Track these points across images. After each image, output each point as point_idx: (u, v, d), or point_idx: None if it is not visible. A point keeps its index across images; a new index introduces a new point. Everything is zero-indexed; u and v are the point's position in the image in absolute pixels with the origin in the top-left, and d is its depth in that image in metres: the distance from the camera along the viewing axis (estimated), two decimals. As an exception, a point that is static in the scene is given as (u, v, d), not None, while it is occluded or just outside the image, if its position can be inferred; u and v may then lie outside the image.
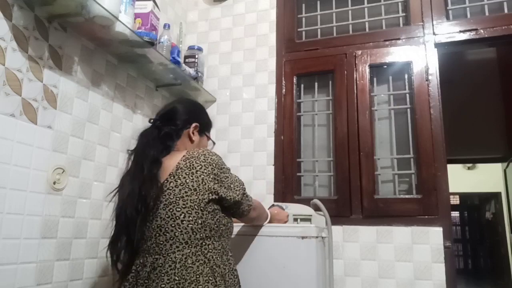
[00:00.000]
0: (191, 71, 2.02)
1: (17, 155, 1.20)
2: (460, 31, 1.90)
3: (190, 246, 1.12)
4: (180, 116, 1.34)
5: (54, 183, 1.33)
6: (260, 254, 1.49)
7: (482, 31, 1.86)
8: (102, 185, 1.58)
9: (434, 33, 1.94)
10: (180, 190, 1.14)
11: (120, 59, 1.69)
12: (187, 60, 2.10)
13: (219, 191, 1.18)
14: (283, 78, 2.14)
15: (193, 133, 1.33)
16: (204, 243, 1.14)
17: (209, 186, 1.16)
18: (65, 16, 1.35)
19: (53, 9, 1.31)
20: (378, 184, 1.91)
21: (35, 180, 1.26)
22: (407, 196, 1.85)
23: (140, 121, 1.84)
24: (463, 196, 9.50)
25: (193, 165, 1.17)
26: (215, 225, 1.18)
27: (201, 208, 1.14)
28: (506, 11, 1.88)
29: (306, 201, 1.79)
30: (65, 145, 1.39)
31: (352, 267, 1.81)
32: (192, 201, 1.13)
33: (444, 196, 1.77)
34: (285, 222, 1.65)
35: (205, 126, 1.39)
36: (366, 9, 2.13)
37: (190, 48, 2.18)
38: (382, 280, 1.75)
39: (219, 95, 2.23)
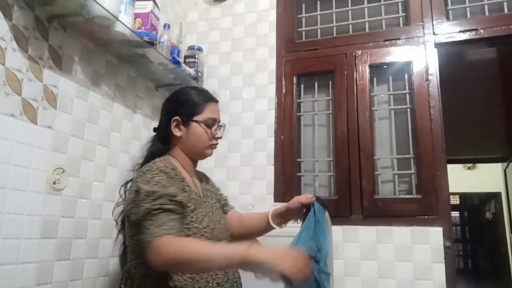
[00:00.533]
0: (191, 71, 2.02)
1: (17, 155, 1.20)
2: (460, 31, 1.90)
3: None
4: (160, 119, 1.27)
5: (54, 183, 1.33)
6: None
7: (482, 31, 1.86)
8: (102, 185, 1.58)
9: (434, 33, 1.94)
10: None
11: (120, 59, 1.69)
12: (187, 60, 2.10)
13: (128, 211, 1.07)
14: (283, 78, 2.14)
15: (175, 129, 1.20)
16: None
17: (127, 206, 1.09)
18: (65, 16, 1.35)
19: (53, 9, 1.31)
20: (378, 184, 1.91)
21: (35, 180, 1.26)
22: (407, 196, 1.85)
23: (140, 121, 1.84)
24: (463, 196, 9.50)
25: (138, 183, 1.06)
26: None
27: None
28: (506, 11, 1.88)
29: (306, 201, 1.79)
30: (65, 145, 1.39)
31: (352, 267, 1.81)
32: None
33: (444, 196, 1.77)
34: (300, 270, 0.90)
35: (188, 113, 1.21)
36: (366, 9, 2.13)
37: (190, 48, 2.18)
38: (382, 280, 1.75)
39: (219, 95, 2.22)
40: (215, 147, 1.26)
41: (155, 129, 1.29)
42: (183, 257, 0.92)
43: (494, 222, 8.42)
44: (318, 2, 2.24)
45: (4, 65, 1.17)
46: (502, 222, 7.56)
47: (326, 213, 1.43)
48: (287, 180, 2.01)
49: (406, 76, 1.99)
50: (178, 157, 1.21)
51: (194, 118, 1.21)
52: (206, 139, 1.22)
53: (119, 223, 1.25)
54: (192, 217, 1.08)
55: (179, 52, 1.92)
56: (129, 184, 1.20)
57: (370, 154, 1.90)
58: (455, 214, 10.27)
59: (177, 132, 1.20)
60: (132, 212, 1.02)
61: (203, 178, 1.34)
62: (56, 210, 1.35)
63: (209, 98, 1.27)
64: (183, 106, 1.23)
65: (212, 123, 1.23)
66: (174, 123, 1.21)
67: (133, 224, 1.03)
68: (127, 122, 1.75)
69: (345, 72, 2.03)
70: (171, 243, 0.93)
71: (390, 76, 2.03)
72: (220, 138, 1.26)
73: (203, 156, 1.25)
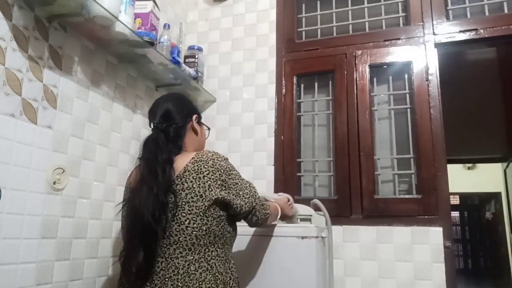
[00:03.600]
0: (191, 71, 2.02)
1: (17, 155, 1.20)
2: (460, 31, 1.90)
3: (193, 253, 1.11)
4: (179, 113, 1.30)
5: (54, 183, 1.33)
6: (260, 254, 1.49)
7: (482, 31, 1.86)
8: (102, 185, 1.58)
9: (434, 33, 1.94)
10: (186, 194, 1.12)
11: (120, 59, 1.69)
12: (187, 60, 2.10)
13: (226, 198, 1.15)
14: (283, 78, 2.14)
15: (197, 124, 1.33)
16: (207, 250, 1.13)
17: (215, 192, 1.13)
18: (65, 16, 1.35)
19: (53, 9, 1.31)
20: (378, 184, 1.91)
21: (35, 180, 1.26)
22: (407, 196, 1.85)
23: (140, 121, 1.84)
24: (463, 196, 9.49)
25: (200, 169, 1.15)
26: (220, 232, 1.16)
27: (206, 214, 1.12)
28: (506, 11, 1.88)
29: (306, 201, 1.79)
30: (65, 145, 1.39)
31: (352, 267, 1.81)
32: (197, 207, 1.11)
33: (444, 196, 1.77)
34: (292, 216, 1.57)
35: (200, 115, 1.38)
36: (366, 9, 2.13)
37: (190, 48, 2.18)
38: (382, 280, 1.75)
39: (219, 95, 2.23)
40: None
41: (161, 128, 1.23)
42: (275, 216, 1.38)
43: (494, 222, 8.42)
44: (318, 2, 2.24)
45: (4, 65, 1.17)
46: (502, 222, 7.55)
47: (326, 214, 1.44)
48: (287, 180, 2.01)
49: (406, 76, 1.99)
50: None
51: (201, 120, 1.38)
52: (205, 140, 1.44)
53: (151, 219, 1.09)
54: None
55: (179, 52, 1.92)
56: (190, 174, 1.14)
57: (370, 154, 1.90)
58: (455, 214, 10.27)
59: (197, 128, 1.33)
60: (239, 200, 1.18)
61: None
62: (56, 210, 1.35)
63: None
64: (196, 109, 1.39)
65: (208, 128, 1.44)
66: (196, 119, 1.33)
67: (238, 212, 1.18)
68: (127, 122, 1.75)
69: (345, 72, 2.03)
70: (274, 210, 1.37)
71: (390, 76, 2.03)
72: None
73: None
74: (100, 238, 1.55)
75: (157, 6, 1.73)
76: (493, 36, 1.85)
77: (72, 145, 1.43)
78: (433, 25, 1.95)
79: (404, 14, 2.07)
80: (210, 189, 1.13)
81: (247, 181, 1.24)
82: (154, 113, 1.28)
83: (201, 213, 1.11)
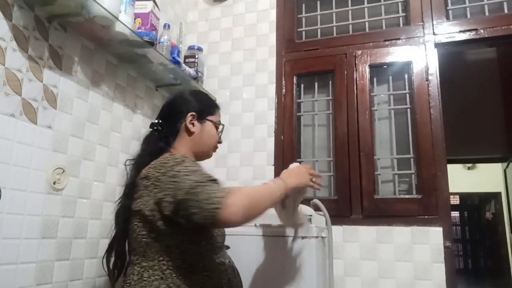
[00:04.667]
0: (191, 71, 2.02)
1: (17, 155, 1.20)
2: (460, 31, 1.90)
3: (147, 260, 1.05)
4: (172, 111, 1.24)
5: (54, 183, 1.33)
6: (260, 254, 1.49)
7: (482, 31, 1.86)
8: (102, 185, 1.58)
9: (434, 33, 1.94)
10: (137, 202, 1.07)
11: (120, 59, 1.69)
12: (187, 60, 2.10)
13: (161, 199, 1.00)
14: (283, 78, 2.14)
15: (191, 123, 1.21)
16: (161, 259, 1.04)
17: (156, 196, 1.02)
18: (65, 16, 1.35)
19: (53, 9, 1.30)
20: (378, 184, 1.91)
21: (35, 180, 1.26)
22: (407, 196, 1.85)
23: (140, 121, 1.84)
24: (463, 196, 9.49)
25: (149, 175, 1.05)
26: (174, 242, 1.05)
27: (154, 223, 1.03)
28: (506, 11, 1.88)
29: (306, 201, 1.78)
30: (65, 145, 1.39)
31: (352, 267, 1.81)
32: (144, 216, 1.05)
33: (444, 196, 1.77)
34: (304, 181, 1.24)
35: (204, 110, 1.25)
36: (366, 9, 2.13)
37: (190, 48, 2.18)
38: (382, 280, 1.75)
39: (219, 95, 2.23)
40: (216, 151, 1.32)
41: (155, 126, 1.24)
42: (256, 201, 1.01)
43: (494, 222, 8.42)
44: (318, 2, 2.24)
45: (4, 65, 1.17)
46: (502, 222, 7.56)
47: (326, 214, 1.42)
48: (287, 180, 2.00)
49: (406, 76, 1.99)
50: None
51: (209, 118, 1.25)
52: (215, 140, 1.28)
53: (119, 223, 1.16)
54: None
55: (179, 52, 1.92)
56: (142, 180, 1.08)
57: (370, 154, 1.90)
58: (455, 214, 10.28)
59: (191, 128, 1.21)
60: (177, 194, 0.97)
61: None
62: (56, 210, 1.35)
63: (218, 105, 1.34)
64: (199, 103, 1.26)
65: (220, 127, 1.30)
66: (190, 118, 1.21)
67: (174, 207, 0.98)
68: (127, 122, 1.75)
69: (345, 72, 2.03)
70: (239, 195, 0.96)
71: (390, 76, 2.03)
72: (221, 143, 1.32)
73: (207, 156, 1.30)
74: (100, 238, 1.55)
75: (157, 6, 1.73)
76: (493, 36, 1.85)
77: (72, 145, 1.43)
78: (433, 25, 1.95)
79: (404, 14, 2.07)
80: (153, 195, 1.03)
81: (187, 173, 1.00)
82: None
83: (148, 222, 1.04)
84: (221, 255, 1.17)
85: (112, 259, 1.17)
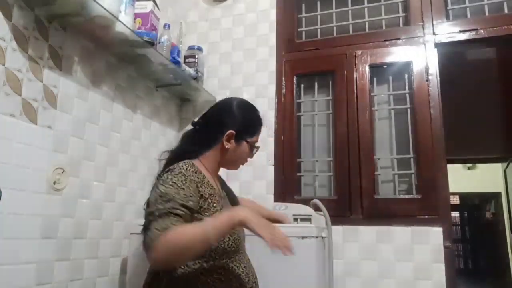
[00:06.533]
0: (191, 71, 2.02)
1: (17, 155, 1.20)
2: (460, 31, 1.90)
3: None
4: (216, 119, 1.23)
5: (54, 183, 1.33)
6: (260, 254, 1.49)
7: (482, 31, 1.86)
8: (102, 185, 1.57)
9: (434, 33, 1.94)
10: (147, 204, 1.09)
11: (120, 59, 1.69)
12: (187, 60, 2.10)
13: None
14: (283, 78, 2.13)
15: (228, 141, 1.18)
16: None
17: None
18: (65, 16, 1.35)
19: (53, 9, 1.31)
20: (378, 184, 1.91)
21: (35, 180, 1.26)
22: (407, 196, 1.85)
23: (140, 121, 1.84)
24: (463, 196, 9.48)
25: (156, 183, 1.08)
26: None
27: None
28: (506, 11, 1.88)
29: (306, 201, 1.79)
30: (65, 145, 1.39)
31: (352, 267, 1.80)
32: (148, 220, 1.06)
33: (444, 196, 1.77)
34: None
35: (244, 131, 1.21)
36: (366, 9, 2.13)
37: (190, 48, 2.18)
38: (382, 280, 1.75)
39: (219, 95, 2.23)
40: (244, 164, 1.30)
41: (197, 125, 1.24)
42: (181, 249, 0.95)
43: (494, 222, 8.41)
44: (318, 2, 2.24)
45: (4, 65, 1.17)
46: (502, 222, 7.55)
47: (326, 214, 1.40)
48: (287, 180, 2.01)
49: (406, 76, 1.99)
50: (207, 163, 1.19)
51: (248, 139, 1.22)
52: (246, 157, 1.26)
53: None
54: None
55: (179, 52, 1.92)
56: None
57: (370, 154, 1.90)
58: (455, 214, 10.27)
59: (226, 144, 1.18)
60: (146, 210, 1.05)
61: (222, 182, 1.34)
62: (56, 210, 1.35)
63: (262, 123, 1.29)
64: (243, 122, 1.22)
65: (256, 147, 1.27)
66: (227, 136, 1.18)
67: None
68: (127, 122, 1.75)
69: (345, 72, 2.03)
70: (166, 238, 0.93)
71: (390, 76, 2.03)
72: (252, 158, 1.30)
73: (233, 168, 1.29)
74: (100, 238, 1.55)
75: (157, 6, 1.73)
76: (493, 36, 1.85)
77: (72, 145, 1.43)
78: (433, 25, 1.95)
79: (404, 14, 2.07)
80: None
81: (178, 188, 1.02)
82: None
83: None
84: (236, 259, 1.14)
85: None
